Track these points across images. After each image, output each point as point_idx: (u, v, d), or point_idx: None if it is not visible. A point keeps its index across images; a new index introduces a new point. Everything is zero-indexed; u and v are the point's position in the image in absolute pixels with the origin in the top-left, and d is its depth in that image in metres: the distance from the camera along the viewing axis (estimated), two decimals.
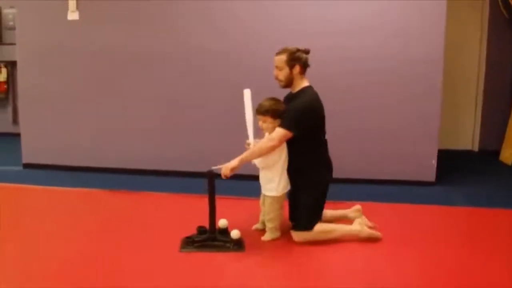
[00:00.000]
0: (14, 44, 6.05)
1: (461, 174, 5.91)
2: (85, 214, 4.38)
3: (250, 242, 3.72)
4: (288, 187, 3.83)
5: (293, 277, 3.27)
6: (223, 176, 3.61)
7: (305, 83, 3.79)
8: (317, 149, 3.79)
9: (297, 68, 3.73)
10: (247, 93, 3.79)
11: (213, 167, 3.59)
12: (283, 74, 3.75)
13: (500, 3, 6.52)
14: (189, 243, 3.63)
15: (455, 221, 4.39)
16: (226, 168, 3.60)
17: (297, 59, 3.73)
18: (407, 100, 5.29)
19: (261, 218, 4.00)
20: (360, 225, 3.84)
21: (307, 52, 3.77)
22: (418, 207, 4.66)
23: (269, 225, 3.84)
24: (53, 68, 5.69)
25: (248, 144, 3.78)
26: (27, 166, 5.86)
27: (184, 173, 5.56)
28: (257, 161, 3.76)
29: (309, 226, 3.74)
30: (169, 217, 4.32)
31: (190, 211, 4.35)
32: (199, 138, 5.58)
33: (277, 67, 3.76)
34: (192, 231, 3.72)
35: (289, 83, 3.79)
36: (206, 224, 3.70)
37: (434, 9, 5.14)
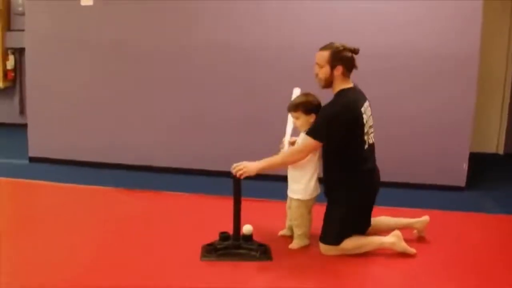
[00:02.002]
0: (23, 30, 5.76)
1: (490, 178, 5.66)
2: (95, 214, 4.09)
3: (277, 249, 3.44)
4: (318, 192, 3.54)
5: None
6: (234, 173, 3.31)
7: (346, 85, 3.41)
8: (354, 160, 3.39)
9: (339, 69, 3.35)
10: (296, 92, 3.54)
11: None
12: (323, 72, 3.38)
13: None
14: (211, 250, 3.34)
15: (489, 229, 4.13)
16: (242, 168, 3.30)
17: (341, 59, 3.34)
18: (440, 100, 5.01)
19: (287, 223, 3.72)
20: (395, 237, 3.47)
21: (355, 52, 3.40)
22: (450, 214, 4.38)
23: (297, 232, 3.56)
24: (64, 57, 5.40)
25: (282, 146, 3.52)
26: (33, 160, 5.59)
27: (201, 172, 5.29)
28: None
29: (334, 242, 3.41)
30: (187, 220, 4.02)
31: (210, 214, 4.10)
32: (220, 135, 5.29)
33: (317, 63, 3.39)
34: (213, 236, 3.46)
35: (328, 83, 3.41)
36: (228, 229, 3.42)
37: (470, 7, 4.85)
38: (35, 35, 5.44)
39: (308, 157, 3.42)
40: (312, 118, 3.44)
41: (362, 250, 3.44)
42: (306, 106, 3.43)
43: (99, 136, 5.46)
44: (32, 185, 4.80)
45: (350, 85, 3.43)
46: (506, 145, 6.88)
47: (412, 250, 3.46)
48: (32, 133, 5.58)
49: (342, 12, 4.98)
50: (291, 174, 3.55)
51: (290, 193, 3.58)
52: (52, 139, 5.55)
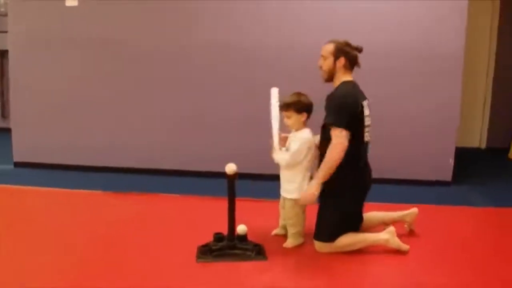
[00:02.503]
0: (6, 32, 5.62)
1: (474, 172, 5.76)
2: (84, 219, 4.00)
3: (271, 249, 3.43)
4: None
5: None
6: (307, 204, 3.42)
7: (347, 78, 3.48)
8: (353, 156, 3.35)
9: (341, 61, 3.44)
10: (274, 92, 3.52)
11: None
12: (326, 64, 3.47)
13: None
14: (206, 252, 3.33)
15: (479, 222, 4.22)
16: (308, 196, 3.35)
17: (344, 52, 3.45)
18: (427, 98, 5.07)
19: (281, 222, 3.72)
20: (389, 234, 3.50)
21: (359, 50, 3.50)
22: (438, 208, 4.44)
23: (291, 231, 3.56)
24: (48, 59, 5.32)
25: (274, 147, 3.50)
26: (18, 164, 5.49)
27: (194, 173, 5.27)
28: (278, 159, 3.47)
29: (328, 240, 3.43)
30: (181, 222, 3.98)
31: (203, 215, 4.08)
32: (218, 136, 5.28)
33: (322, 56, 3.50)
34: (207, 237, 3.44)
35: (330, 75, 3.49)
36: (222, 229, 3.42)
37: (456, 8, 4.95)
38: (19, 36, 5.33)
39: (304, 155, 3.43)
40: (303, 117, 3.45)
41: (357, 247, 3.45)
42: (297, 105, 3.44)
43: (86, 139, 5.39)
44: (18, 190, 4.70)
45: (351, 79, 3.50)
46: (488, 139, 7.00)
47: (405, 246, 3.48)
48: (16, 138, 5.48)
49: (340, 12, 5.05)
50: (284, 174, 3.54)
51: (284, 193, 3.57)
52: (37, 143, 5.46)
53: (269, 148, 3.53)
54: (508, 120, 6.71)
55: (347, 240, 3.45)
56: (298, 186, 3.48)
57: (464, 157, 6.23)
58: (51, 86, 5.36)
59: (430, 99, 5.07)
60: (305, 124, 3.50)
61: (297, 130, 3.49)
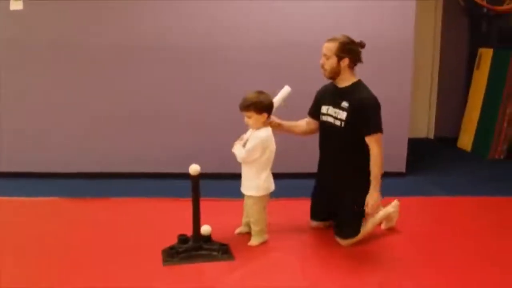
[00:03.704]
0: None
1: (427, 163, 5.89)
2: (46, 227, 3.83)
3: (237, 248, 3.42)
4: (273, 187, 3.56)
5: (300, 284, 3.03)
6: (373, 214, 3.53)
7: (355, 78, 3.54)
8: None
9: (345, 61, 3.46)
10: (286, 91, 3.61)
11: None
12: (329, 63, 3.47)
13: None
14: (172, 254, 3.28)
15: (435, 211, 4.33)
16: (374, 207, 3.44)
17: (348, 52, 3.45)
18: (376, 89, 5.06)
19: (244, 220, 3.71)
20: (394, 207, 3.85)
21: (362, 45, 3.52)
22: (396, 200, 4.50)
23: (255, 228, 3.55)
24: None
25: (241, 139, 3.50)
26: None
27: (149, 175, 5.16)
28: (236, 153, 3.46)
29: (358, 233, 3.57)
30: (142, 226, 3.87)
31: (164, 217, 4.00)
32: (171, 136, 5.17)
33: (324, 55, 3.48)
34: (171, 239, 3.39)
35: (334, 75, 3.51)
36: (186, 231, 3.38)
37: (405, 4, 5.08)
38: None
39: (260, 154, 3.43)
40: (263, 117, 3.44)
41: (372, 230, 3.68)
42: (257, 105, 3.42)
43: (37, 144, 5.17)
44: None
45: (358, 78, 3.55)
46: (436, 129, 7.19)
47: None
48: None
49: (286, 10, 5.03)
50: (245, 171, 3.53)
51: (245, 190, 3.56)
52: None
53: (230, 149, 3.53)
54: (455, 109, 6.86)
55: (368, 227, 3.64)
56: (255, 183, 3.49)
57: (415, 148, 6.38)
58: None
59: (381, 91, 5.11)
60: (265, 123, 3.50)
61: (257, 129, 3.48)
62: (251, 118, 3.44)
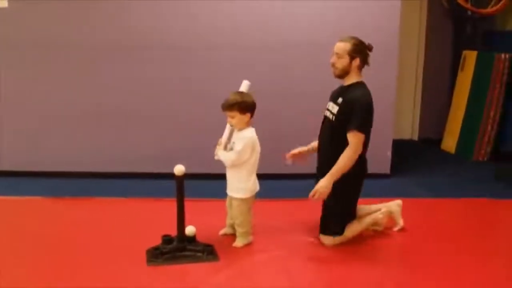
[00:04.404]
0: None
1: (411, 164, 5.91)
2: (26, 227, 3.78)
3: (221, 249, 3.41)
4: (257, 188, 3.54)
5: (284, 284, 3.01)
6: (319, 198, 3.38)
7: (360, 78, 3.57)
8: (364, 148, 3.52)
9: (357, 61, 3.50)
10: (245, 85, 3.55)
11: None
12: (341, 62, 3.50)
13: None
14: (157, 255, 3.25)
15: (420, 213, 4.32)
16: (322, 190, 3.33)
17: (360, 52, 3.50)
18: None
19: (228, 221, 3.68)
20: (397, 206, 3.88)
21: (370, 48, 3.55)
22: (380, 201, 4.41)
23: (240, 230, 3.53)
24: None
25: (220, 143, 3.49)
26: None
27: (133, 175, 5.11)
28: (223, 158, 3.44)
29: (341, 231, 3.56)
30: (126, 226, 3.84)
31: (145, 217, 3.98)
32: (153, 136, 5.14)
33: (337, 54, 3.51)
34: (155, 240, 3.36)
35: (344, 74, 3.54)
36: (170, 231, 3.36)
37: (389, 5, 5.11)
38: None
39: (249, 154, 3.42)
40: (247, 117, 3.42)
41: (358, 233, 3.66)
42: (241, 105, 3.40)
43: (24, 143, 5.12)
44: None
45: (362, 79, 3.58)
46: (420, 131, 7.21)
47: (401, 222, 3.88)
48: None
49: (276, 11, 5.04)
50: (231, 173, 3.50)
51: (230, 192, 3.54)
52: None
53: (213, 147, 3.51)
54: (439, 111, 6.89)
55: (355, 227, 3.63)
56: (244, 185, 3.47)
57: (399, 149, 6.40)
58: None
59: None
60: (248, 124, 3.48)
61: (240, 129, 3.46)
62: (235, 118, 3.42)
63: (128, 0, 4.93)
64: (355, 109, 3.42)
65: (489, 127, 6.10)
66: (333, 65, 3.54)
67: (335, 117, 3.50)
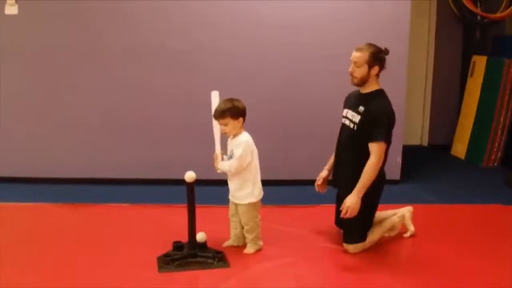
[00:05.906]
0: None
1: (421, 170, 5.89)
2: (32, 233, 3.78)
3: (232, 255, 3.41)
4: (262, 193, 3.54)
5: None
6: (350, 215, 3.35)
7: (378, 86, 3.57)
8: (386, 155, 3.52)
9: (376, 69, 3.50)
10: (214, 96, 3.48)
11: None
12: (360, 72, 3.49)
13: (450, 1, 6.58)
14: (168, 262, 3.27)
15: (430, 219, 4.29)
16: (352, 207, 3.33)
17: (378, 60, 3.49)
18: None
19: (232, 232, 3.63)
20: (399, 218, 3.86)
21: (386, 52, 3.54)
22: (389, 207, 4.39)
23: (249, 236, 3.53)
24: None
25: (216, 156, 3.49)
26: None
27: (142, 181, 5.14)
28: (226, 168, 3.43)
29: (363, 239, 3.58)
30: (136, 232, 3.85)
31: (155, 224, 3.98)
32: (163, 142, 5.16)
33: (355, 63, 3.50)
34: (166, 246, 3.38)
35: (362, 82, 3.54)
36: (180, 238, 3.39)
37: (400, 9, 5.10)
38: None
39: (251, 157, 3.42)
40: (240, 122, 3.42)
41: (379, 238, 3.70)
42: (233, 111, 3.39)
43: (20, 150, 5.14)
44: None
45: (380, 86, 3.58)
46: (430, 136, 7.19)
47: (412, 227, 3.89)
48: None
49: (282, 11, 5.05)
50: (235, 182, 3.48)
51: (237, 200, 3.51)
52: None
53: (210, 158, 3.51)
54: (449, 117, 6.88)
55: (376, 234, 3.66)
56: (250, 190, 3.47)
57: (409, 155, 6.39)
58: None
59: None
60: (242, 129, 3.47)
61: (235, 136, 3.45)
62: (228, 125, 3.40)
63: (132, 13, 4.98)
64: (380, 120, 3.42)
65: (499, 133, 6.08)
66: (351, 74, 3.53)
67: (357, 126, 3.50)
